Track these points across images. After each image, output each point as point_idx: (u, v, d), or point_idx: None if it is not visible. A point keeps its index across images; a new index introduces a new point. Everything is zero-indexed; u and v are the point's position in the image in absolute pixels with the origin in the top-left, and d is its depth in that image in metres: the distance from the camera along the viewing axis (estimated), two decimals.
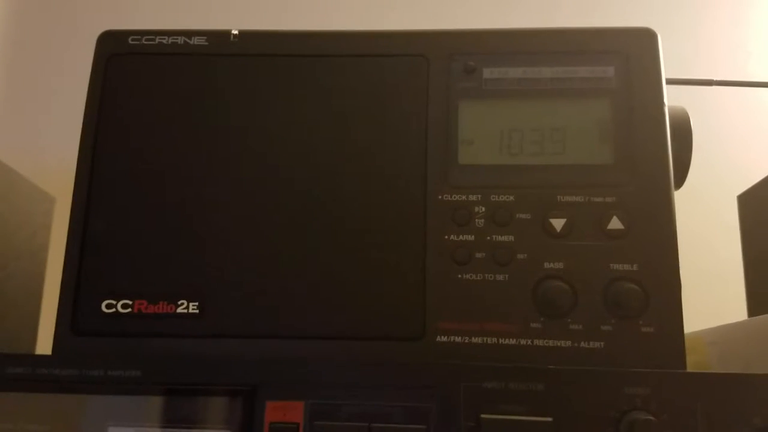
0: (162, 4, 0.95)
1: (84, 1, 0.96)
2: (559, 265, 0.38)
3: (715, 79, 0.54)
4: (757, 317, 0.46)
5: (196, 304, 0.38)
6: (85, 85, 0.43)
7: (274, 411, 0.34)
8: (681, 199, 0.45)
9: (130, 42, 0.43)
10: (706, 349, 0.51)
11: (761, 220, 0.59)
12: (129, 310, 0.38)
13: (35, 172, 0.64)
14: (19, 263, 0.55)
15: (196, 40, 0.43)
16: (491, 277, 0.38)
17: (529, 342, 0.37)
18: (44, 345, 0.56)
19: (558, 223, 0.38)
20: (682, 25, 0.94)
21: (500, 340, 0.37)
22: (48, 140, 0.91)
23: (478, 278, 0.38)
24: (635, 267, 0.37)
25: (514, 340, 0.37)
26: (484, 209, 0.39)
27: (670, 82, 0.43)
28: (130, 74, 0.42)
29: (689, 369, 0.37)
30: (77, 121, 0.44)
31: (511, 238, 0.38)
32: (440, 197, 0.39)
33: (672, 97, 0.43)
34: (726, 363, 0.48)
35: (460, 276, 0.38)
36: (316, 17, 0.93)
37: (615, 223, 0.38)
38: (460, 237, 0.39)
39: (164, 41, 0.43)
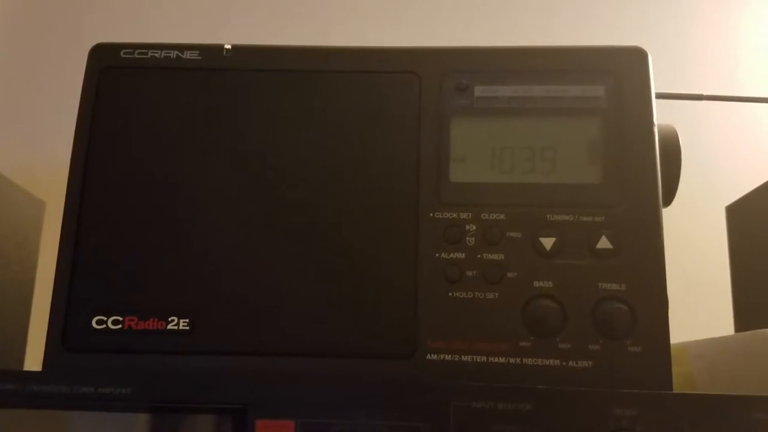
0: (159, 18, 0.95)
1: (76, 9, 0.96)
2: (549, 284, 0.38)
3: (705, 93, 0.54)
4: (744, 333, 0.46)
5: (187, 320, 0.38)
6: (74, 87, 0.43)
7: (264, 430, 0.34)
8: (672, 207, 0.46)
9: (123, 55, 0.43)
10: (692, 362, 0.51)
11: (749, 232, 0.59)
12: (119, 326, 0.38)
13: (23, 173, 0.64)
14: (9, 270, 0.55)
15: (188, 54, 0.43)
16: (482, 295, 0.38)
17: (519, 361, 0.37)
18: (34, 352, 0.56)
19: (548, 242, 0.39)
20: (671, 36, 0.94)
21: (490, 359, 0.38)
22: (36, 141, 0.91)
23: (469, 296, 0.38)
24: (623, 287, 0.38)
25: (504, 358, 0.37)
26: (475, 227, 0.39)
27: (659, 96, 0.43)
28: (123, 87, 0.42)
29: (674, 381, 0.38)
30: (65, 121, 0.44)
31: (502, 256, 0.39)
32: (432, 215, 0.40)
33: (662, 108, 0.44)
34: (712, 377, 0.48)
35: (451, 294, 0.38)
36: (310, 33, 0.93)
37: (604, 243, 0.39)
38: (452, 255, 0.39)
39: (156, 55, 0.43)
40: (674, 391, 0.37)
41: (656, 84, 0.42)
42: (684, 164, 0.45)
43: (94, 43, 0.44)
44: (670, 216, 0.45)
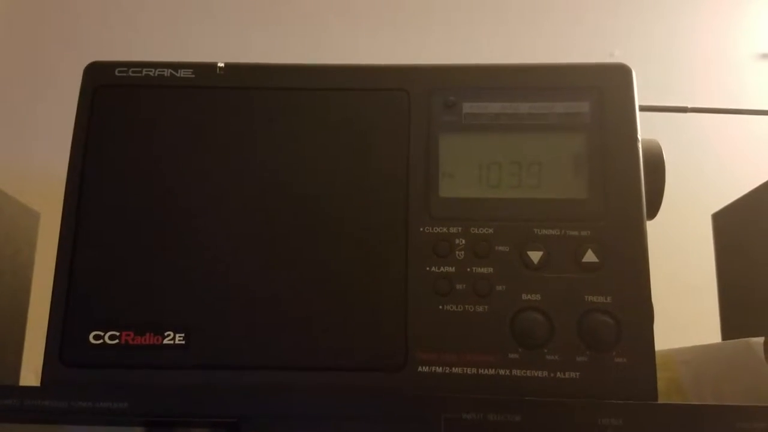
0: (152, 37, 0.96)
1: (73, 23, 0.96)
2: (536, 297, 0.39)
3: (689, 105, 0.55)
4: (728, 341, 0.47)
5: (183, 335, 0.39)
6: (69, 98, 0.44)
7: None
8: (659, 215, 0.47)
9: (117, 73, 0.43)
10: (679, 367, 0.52)
11: (735, 239, 0.60)
12: (116, 341, 0.39)
13: (17, 183, 0.64)
14: (2, 281, 0.55)
15: (182, 73, 0.43)
16: (471, 308, 0.39)
17: (508, 372, 0.38)
18: (29, 364, 0.56)
19: (535, 256, 0.40)
20: (658, 45, 0.96)
21: (480, 371, 0.38)
22: (31, 151, 0.91)
23: (459, 309, 0.39)
24: (609, 299, 0.39)
25: (493, 370, 0.38)
26: (464, 241, 0.40)
27: (644, 109, 0.44)
28: (117, 105, 0.43)
29: (661, 386, 0.38)
30: (59, 132, 0.44)
31: (491, 270, 0.40)
32: (422, 229, 0.40)
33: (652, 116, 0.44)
34: (698, 383, 0.49)
35: (441, 307, 0.39)
36: (302, 51, 0.94)
37: (590, 256, 0.39)
38: (441, 269, 0.40)
39: (150, 73, 0.43)
40: (660, 398, 0.38)
41: (645, 94, 0.43)
42: (671, 172, 0.46)
43: (90, 55, 0.45)
44: (657, 224, 0.46)
